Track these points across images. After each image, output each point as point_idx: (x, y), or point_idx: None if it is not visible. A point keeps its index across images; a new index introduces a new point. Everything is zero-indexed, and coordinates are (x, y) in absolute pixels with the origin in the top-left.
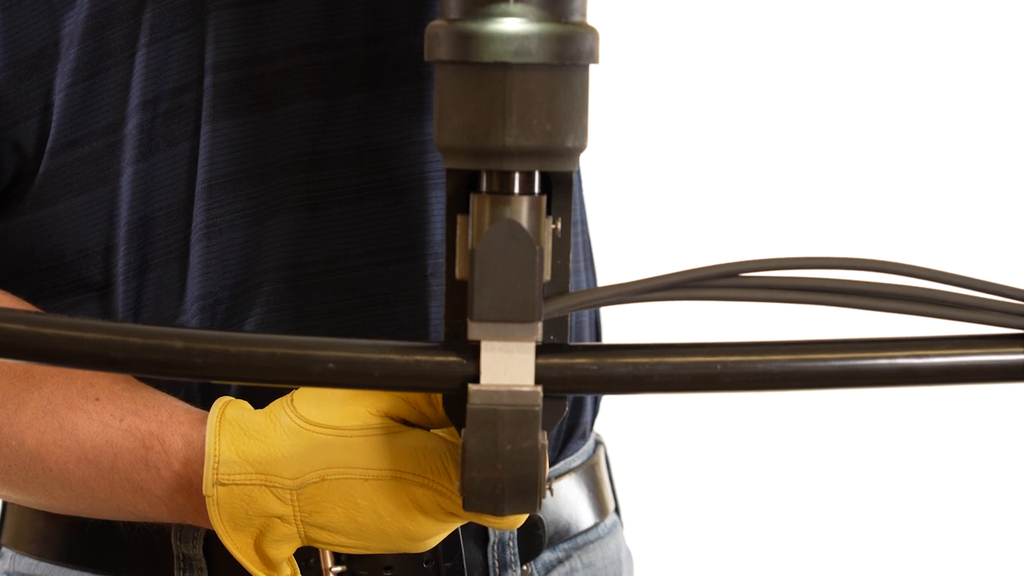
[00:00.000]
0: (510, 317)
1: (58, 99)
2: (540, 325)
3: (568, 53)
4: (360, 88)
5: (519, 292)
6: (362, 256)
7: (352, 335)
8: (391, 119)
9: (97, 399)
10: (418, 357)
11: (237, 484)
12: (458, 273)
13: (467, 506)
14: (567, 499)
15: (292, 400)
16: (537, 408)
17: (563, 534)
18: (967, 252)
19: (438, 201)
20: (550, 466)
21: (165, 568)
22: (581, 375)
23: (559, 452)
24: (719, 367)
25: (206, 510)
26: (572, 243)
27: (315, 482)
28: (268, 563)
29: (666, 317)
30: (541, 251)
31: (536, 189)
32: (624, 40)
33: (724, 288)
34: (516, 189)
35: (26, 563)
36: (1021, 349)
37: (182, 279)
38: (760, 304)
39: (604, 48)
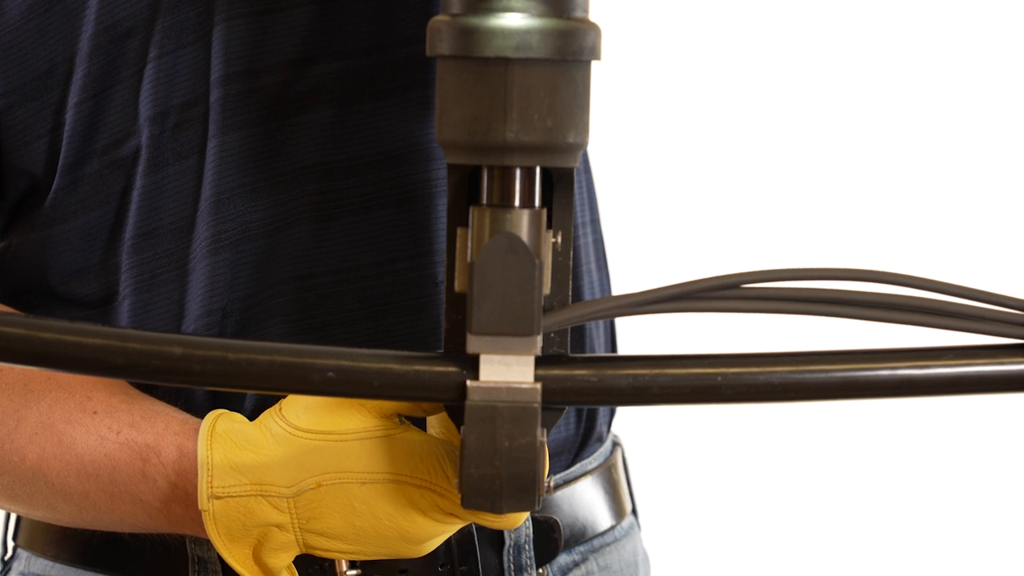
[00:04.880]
0: (509, 330)
1: (68, 117)
2: (539, 338)
3: (570, 49)
4: (368, 97)
5: (518, 305)
6: (372, 265)
7: (364, 344)
8: (399, 127)
9: (95, 413)
10: (417, 367)
11: (232, 496)
12: (457, 286)
13: (465, 503)
14: (584, 501)
15: (281, 408)
16: (536, 405)
17: (579, 536)
18: (968, 262)
19: (446, 208)
20: (566, 469)
21: (180, 570)
22: (581, 387)
23: (575, 455)
24: (719, 379)
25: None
26: (583, 243)
27: (312, 488)
28: (267, 572)
29: (673, 326)
30: (540, 264)
31: (537, 200)
32: (627, 38)
33: (726, 300)
34: (517, 189)
35: (41, 564)
36: (1022, 359)
37: (188, 294)
38: (763, 315)
39: (606, 45)
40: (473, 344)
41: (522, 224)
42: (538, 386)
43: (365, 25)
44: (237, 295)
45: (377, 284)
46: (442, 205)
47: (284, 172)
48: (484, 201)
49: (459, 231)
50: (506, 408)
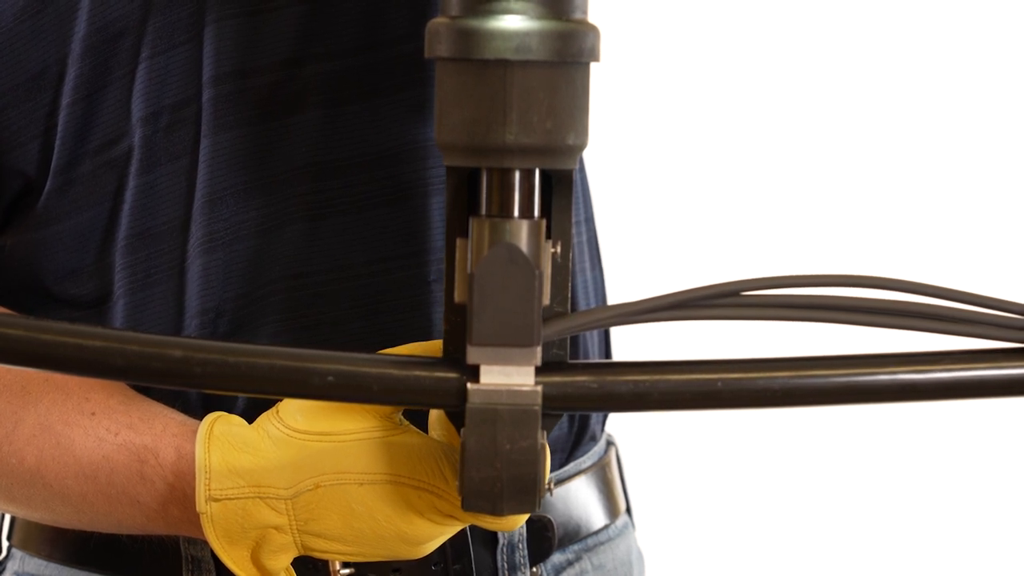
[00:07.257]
0: (509, 341)
1: (61, 118)
2: (539, 349)
3: (569, 50)
4: (359, 97)
5: (518, 316)
6: (364, 264)
7: (357, 344)
8: (392, 126)
9: (93, 414)
10: (417, 372)
11: (230, 499)
12: (457, 297)
13: (466, 505)
14: (578, 500)
15: (278, 411)
16: (536, 407)
17: (573, 535)
18: (967, 267)
19: (439, 207)
20: (560, 468)
21: (174, 570)
22: (581, 393)
23: (568, 454)
24: (720, 384)
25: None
26: (577, 241)
27: (310, 490)
28: (266, 574)
29: (673, 333)
30: (540, 275)
31: (536, 210)
32: (626, 39)
33: (726, 307)
34: (516, 199)
35: (35, 564)
36: (1022, 363)
37: (182, 294)
38: (763, 322)
39: (605, 47)
40: (473, 355)
41: (521, 234)
42: (539, 388)
43: (355, 25)
44: (230, 295)
45: (369, 283)
46: (434, 204)
47: (276, 172)
48: (483, 211)
49: (458, 241)
50: (507, 410)
